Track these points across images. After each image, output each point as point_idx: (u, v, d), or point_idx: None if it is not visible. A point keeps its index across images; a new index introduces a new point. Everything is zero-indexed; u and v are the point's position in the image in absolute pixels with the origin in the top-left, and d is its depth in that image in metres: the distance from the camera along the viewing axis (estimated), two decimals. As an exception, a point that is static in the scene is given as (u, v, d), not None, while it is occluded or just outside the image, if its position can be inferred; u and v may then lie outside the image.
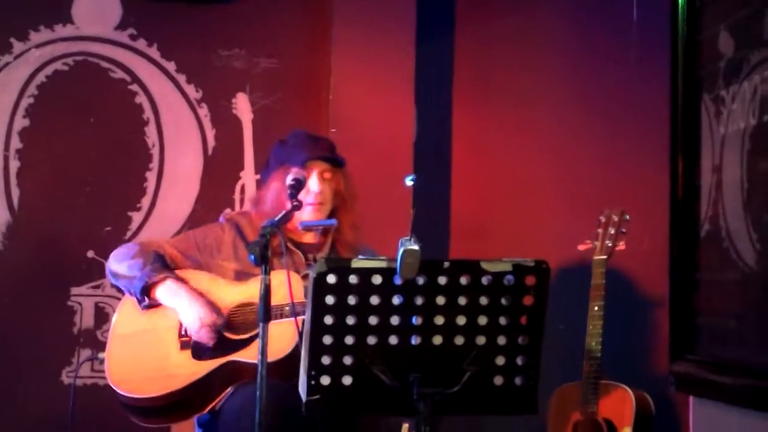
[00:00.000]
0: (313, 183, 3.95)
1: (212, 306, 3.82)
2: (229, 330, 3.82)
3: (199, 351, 3.81)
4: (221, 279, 3.93)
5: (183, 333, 3.84)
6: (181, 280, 3.89)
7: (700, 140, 3.75)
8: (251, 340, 3.76)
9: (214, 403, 3.79)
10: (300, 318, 3.61)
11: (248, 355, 3.74)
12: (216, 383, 3.78)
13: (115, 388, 3.80)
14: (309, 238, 4.02)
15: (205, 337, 3.77)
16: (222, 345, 3.79)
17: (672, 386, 3.77)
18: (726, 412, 3.54)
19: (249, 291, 3.85)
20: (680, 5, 3.87)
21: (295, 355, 3.54)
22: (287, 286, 3.47)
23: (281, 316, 3.67)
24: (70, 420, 4.41)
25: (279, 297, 3.45)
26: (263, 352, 3.06)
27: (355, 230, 4.03)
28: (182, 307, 3.82)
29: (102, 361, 3.93)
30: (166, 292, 3.85)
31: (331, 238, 4.03)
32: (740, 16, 3.54)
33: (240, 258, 3.96)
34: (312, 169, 3.97)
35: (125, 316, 3.94)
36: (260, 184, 4.13)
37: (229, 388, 3.77)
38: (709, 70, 3.70)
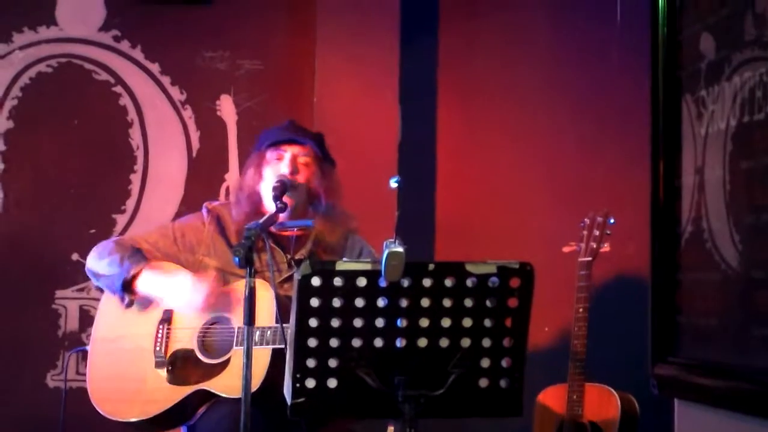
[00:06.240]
0: (283, 165, 3.87)
1: (192, 283, 3.78)
2: (202, 350, 3.79)
3: (173, 372, 3.77)
4: (196, 278, 3.85)
5: (157, 348, 3.81)
6: (159, 267, 3.85)
7: (681, 141, 3.75)
8: (224, 365, 3.71)
9: (190, 420, 3.81)
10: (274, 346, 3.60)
11: (220, 386, 3.69)
12: (190, 405, 3.76)
13: (96, 407, 3.80)
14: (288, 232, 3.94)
15: (196, 306, 3.77)
16: (195, 367, 3.76)
17: (654, 389, 3.77)
18: (710, 414, 3.54)
19: (225, 302, 3.80)
20: (660, 5, 3.87)
21: (265, 388, 3.54)
22: (272, 307, 3.45)
23: (260, 342, 3.61)
24: (61, 425, 4.41)
25: (258, 318, 3.33)
26: (248, 354, 3.06)
27: (335, 235, 3.95)
28: (165, 290, 3.79)
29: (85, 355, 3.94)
30: (146, 281, 3.81)
31: (312, 238, 3.95)
32: (721, 16, 3.54)
33: (219, 254, 3.91)
34: (285, 152, 3.90)
35: (105, 317, 3.92)
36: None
37: (202, 408, 3.76)
38: (691, 71, 3.70)
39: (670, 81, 3.80)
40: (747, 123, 3.30)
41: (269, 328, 3.62)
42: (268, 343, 3.62)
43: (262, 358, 3.58)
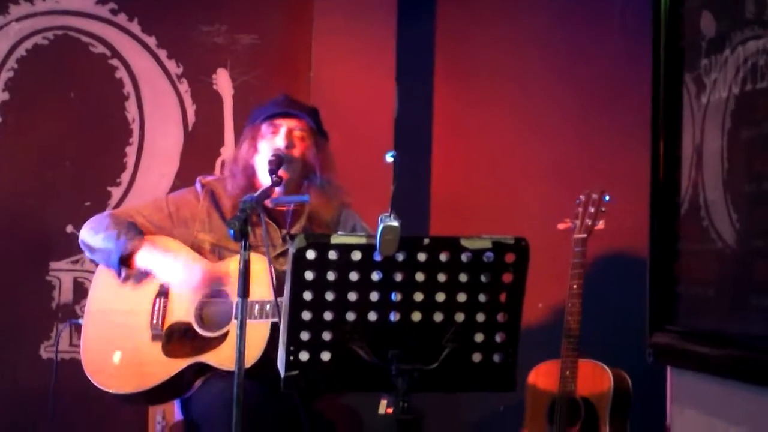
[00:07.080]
0: (279, 139, 3.87)
1: (190, 260, 3.81)
2: (200, 322, 3.79)
3: (169, 345, 3.78)
4: (194, 254, 3.89)
5: (154, 321, 3.81)
6: (156, 243, 3.87)
7: (681, 117, 3.75)
8: (222, 339, 3.72)
9: (185, 393, 3.81)
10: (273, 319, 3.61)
11: (218, 359, 3.69)
12: (186, 378, 3.76)
13: (90, 379, 3.80)
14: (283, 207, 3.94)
15: (192, 285, 3.78)
16: (192, 340, 3.77)
17: (650, 357, 3.78)
18: (705, 382, 3.56)
19: (222, 276, 3.80)
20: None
21: (264, 361, 3.55)
22: (269, 280, 3.45)
23: (260, 315, 3.64)
24: (51, 395, 4.41)
25: (256, 292, 3.34)
26: (242, 326, 3.06)
27: (330, 211, 3.97)
28: (163, 268, 3.81)
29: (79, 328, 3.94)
30: (143, 257, 3.83)
31: (307, 213, 3.95)
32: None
33: (214, 229, 3.92)
34: (280, 126, 3.90)
35: (101, 290, 3.92)
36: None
37: (198, 381, 3.77)
38: (691, 47, 3.70)
39: (672, 55, 3.80)
40: (749, 91, 3.29)
41: (269, 301, 3.62)
42: (267, 317, 3.63)
43: (261, 331, 3.59)
